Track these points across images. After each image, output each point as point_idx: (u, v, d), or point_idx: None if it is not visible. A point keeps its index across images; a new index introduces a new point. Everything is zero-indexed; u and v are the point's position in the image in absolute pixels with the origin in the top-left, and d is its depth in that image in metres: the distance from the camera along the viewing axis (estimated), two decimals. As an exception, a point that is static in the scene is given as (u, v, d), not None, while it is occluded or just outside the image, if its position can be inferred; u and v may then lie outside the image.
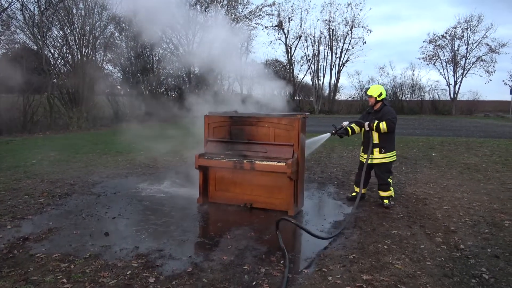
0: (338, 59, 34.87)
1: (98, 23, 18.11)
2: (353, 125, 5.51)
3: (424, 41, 42.05)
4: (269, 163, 4.81)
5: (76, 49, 18.02)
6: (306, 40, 34.25)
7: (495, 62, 33.33)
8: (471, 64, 34.10)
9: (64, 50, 18.27)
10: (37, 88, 16.26)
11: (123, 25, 17.75)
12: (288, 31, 33.67)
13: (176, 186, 6.36)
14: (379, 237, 4.17)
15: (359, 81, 37.05)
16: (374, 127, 5.19)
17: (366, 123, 5.28)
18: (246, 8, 28.39)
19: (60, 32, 17.87)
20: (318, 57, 34.59)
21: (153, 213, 4.99)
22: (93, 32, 18.04)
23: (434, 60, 35.08)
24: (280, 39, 34.65)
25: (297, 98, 36.22)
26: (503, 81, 35.01)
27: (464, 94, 36.66)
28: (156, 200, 5.62)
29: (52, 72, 17.90)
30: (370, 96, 5.33)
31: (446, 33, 34.26)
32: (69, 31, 17.59)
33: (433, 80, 49.60)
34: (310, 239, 4.12)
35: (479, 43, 33.25)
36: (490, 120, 26.97)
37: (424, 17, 62.01)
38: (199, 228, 4.54)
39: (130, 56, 20.45)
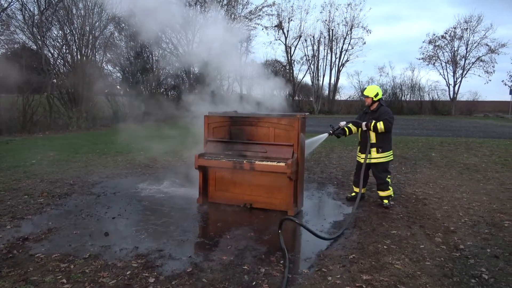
0: (337, 59, 34.94)
1: (97, 23, 18.12)
2: (350, 125, 5.53)
3: (423, 42, 42.24)
4: (269, 163, 4.81)
5: (75, 49, 18.02)
6: (305, 40, 34.30)
7: (494, 62, 33.41)
8: (470, 65, 34.19)
9: (64, 50, 18.28)
10: (37, 88, 16.25)
11: (123, 25, 17.76)
12: (287, 31, 33.71)
13: (175, 186, 6.36)
14: (378, 237, 4.17)
15: (359, 81, 37.14)
16: (372, 127, 5.21)
17: (364, 123, 5.30)
18: (246, 8, 28.43)
19: (60, 32, 17.89)
20: (318, 57, 34.64)
21: (152, 213, 4.99)
22: (93, 32, 18.04)
23: (434, 61, 35.16)
24: (279, 39, 34.70)
25: (296, 98, 36.23)
26: (502, 81, 35.14)
27: (464, 95, 36.83)
28: (155, 200, 5.62)
29: (52, 72, 17.89)
30: (367, 97, 5.36)
31: (445, 33, 34.35)
32: (68, 31, 17.60)
33: (432, 81, 49.90)
34: (310, 239, 4.12)
35: (478, 43, 33.34)
36: (490, 121, 26.99)
37: (424, 17, 62.16)
38: (198, 228, 4.54)
39: (130, 56, 20.45)
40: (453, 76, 34.83)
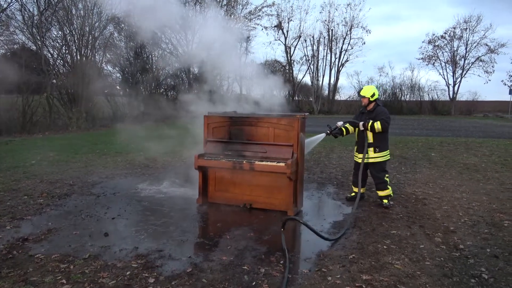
0: (337, 60, 34.98)
1: (97, 23, 18.12)
2: (347, 125, 5.56)
3: (423, 42, 42.30)
4: (269, 163, 4.81)
5: (75, 50, 18.03)
6: (305, 41, 34.35)
7: (494, 62, 33.48)
8: (470, 65, 34.24)
9: (63, 51, 18.28)
10: (36, 88, 16.24)
11: (122, 25, 17.76)
12: (287, 31, 33.76)
13: (175, 187, 6.36)
14: (378, 237, 4.17)
15: (358, 82, 37.18)
16: (369, 127, 5.22)
17: (361, 123, 5.32)
18: (246, 8, 28.44)
19: (59, 32, 17.89)
20: (318, 57, 34.68)
21: (152, 213, 4.99)
22: (92, 32, 18.04)
23: (433, 61, 35.21)
24: (279, 40, 34.76)
25: (296, 98, 36.25)
26: (502, 81, 35.23)
27: (463, 94, 36.89)
28: (155, 200, 5.61)
29: (51, 73, 17.90)
30: (363, 97, 5.39)
31: (445, 33, 34.41)
32: (68, 31, 17.60)
33: (432, 81, 49.97)
34: (309, 239, 4.13)
35: (478, 43, 33.40)
36: (489, 120, 27.01)
37: (423, 17, 62.19)
38: (198, 228, 4.54)
39: (130, 56, 20.45)
40: (453, 76, 34.90)
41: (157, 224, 4.56)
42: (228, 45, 6.77)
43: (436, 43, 34.83)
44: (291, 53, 34.53)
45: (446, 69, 35.23)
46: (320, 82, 35.50)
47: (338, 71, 35.28)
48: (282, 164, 4.70)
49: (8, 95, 15.54)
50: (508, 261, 3.56)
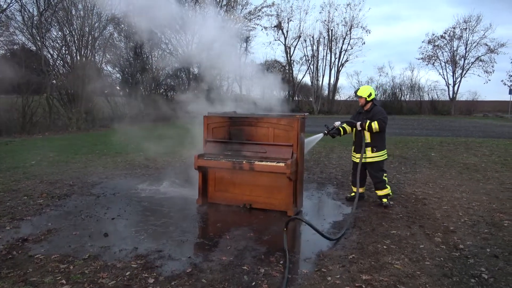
0: (337, 60, 35.01)
1: (97, 24, 18.12)
2: (344, 125, 5.58)
3: (423, 42, 42.35)
4: (268, 163, 4.81)
5: (75, 50, 18.03)
6: (305, 41, 34.38)
7: (494, 62, 33.53)
8: (470, 64, 34.29)
9: (63, 51, 18.28)
10: (36, 89, 16.24)
11: (122, 26, 17.76)
12: (287, 31, 33.79)
13: (175, 187, 6.36)
14: (378, 237, 4.17)
15: (358, 82, 37.21)
16: (366, 127, 5.24)
17: (358, 123, 5.34)
18: (245, 8, 28.45)
19: (59, 33, 17.89)
20: (317, 57, 34.70)
21: (152, 213, 4.99)
22: (92, 33, 18.04)
23: (433, 60, 35.26)
24: (279, 40, 34.77)
25: (296, 98, 36.26)
26: (502, 81, 35.26)
27: (463, 94, 36.89)
28: (155, 200, 5.61)
29: (51, 73, 17.89)
30: (360, 97, 5.42)
31: (445, 33, 34.46)
32: (68, 32, 17.60)
33: (432, 80, 50.05)
34: (309, 239, 4.13)
35: (478, 43, 33.44)
36: (489, 120, 27.02)
37: (423, 17, 62.25)
38: (198, 228, 4.54)
39: (129, 56, 20.45)
40: (453, 76, 34.94)
41: (157, 224, 4.55)
42: (227, 45, 6.77)
43: (436, 43, 34.92)
44: (291, 53, 34.60)
45: (446, 69, 35.33)
46: (320, 82, 35.58)
47: (338, 71, 35.34)
48: (281, 164, 4.70)
49: (8, 95, 15.55)
50: (508, 261, 3.56)
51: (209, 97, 6.98)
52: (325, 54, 35.72)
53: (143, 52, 20.95)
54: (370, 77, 39.27)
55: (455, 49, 34.40)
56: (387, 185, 5.34)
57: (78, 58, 17.96)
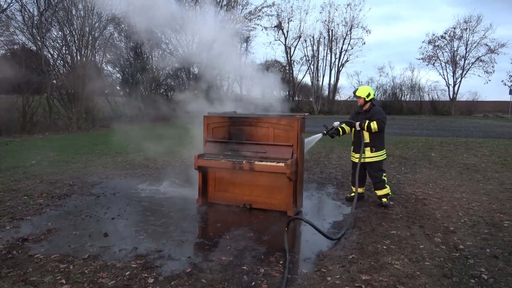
0: (337, 60, 35.00)
1: (97, 24, 18.12)
2: (343, 125, 5.58)
3: (423, 42, 42.34)
4: (268, 163, 4.81)
5: (75, 50, 18.03)
6: (305, 41, 34.38)
7: (494, 62, 33.51)
8: (470, 65, 34.27)
9: (64, 51, 18.27)
10: (37, 88, 16.25)
11: (122, 25, 17.76)
12: (287, 31, 33.79)
13: (175, 187, 6.36)
14: (378, 237, 4.17)
15: (359, 82, 37.18)
16: (365, 127, 5.24)
17: (357, 123, 5.34)
18: (246, 8, 28.44)
19: (60, 32, 17.88)
20: (318, 57, 34.69)
21: (152, 213, 4.99)
22: (92, 33, 18.04)
23: (434, 61, 35.24)
24: (279, 40, 34.78)
25: (296, 98, 36.26)
26: (502, 81, 35.22)
27: (464, 95, 36.93)
28: (155, 200, 5.61)
29: (52, 73, 17.89)
30: (359, 97, 5.42)
31: (445, 33, 34.46)
32: (68, 32, 17.59)
33: (432, 81, 50.03)
34: (309, 239, 4.13)
35: (478, 43, 33.43)
36: (489, 121, 27.01)
37: (423, 17, 62.25)
38: (198, 228, 4.54)
39: (130, 56, 20.45)
40: (453, 76, 34.92)
41: (156, 224, 4.55)
42: (227, 45, 6.77)
43: (436, 43, 34.91)
44: (291, 53, 34.60)
45: (446, 69, 35.31)
46: (320, 82, 35.58)
47: (338, 71, 35.33)
48: (281, 164, 4.70)
49: (8, 95, 15.55)
50: (508, 262, 3.56)
51: (209, 97, 6.98)
52: (325, 54, 35.80)
53: (143, 52, 20.95)
54: (371, 77, 39.37)
55: (455, 49, 34.43)
56: (386, 185, 5.35)
57: (79, 58, 17.96)
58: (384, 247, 3.89)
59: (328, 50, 34.60)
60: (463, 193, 6.15)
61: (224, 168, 5.13)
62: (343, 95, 37.82)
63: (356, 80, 37.87)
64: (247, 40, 28.25)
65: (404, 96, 36.53)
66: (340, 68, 35.18)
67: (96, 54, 19.15)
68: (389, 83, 37.01)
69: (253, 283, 3.10)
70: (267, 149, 4.96)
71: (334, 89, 36.09)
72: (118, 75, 21.94)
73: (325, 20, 34.77)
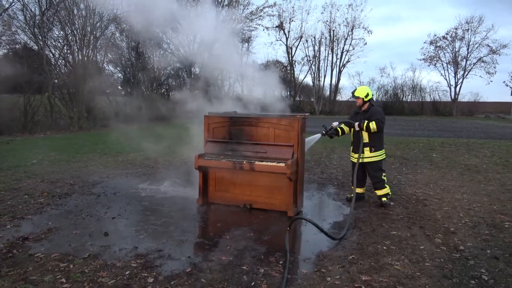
0: (338, 60, 34.91)
1: (98, 23, 18.14)
2: (342, 125, 5.58)
3: (424, 42, 42.12)
4: (269, 163, 4.81)
5: (76, 49, 18.04)
6: (306, 41, 34.28)
7: (496, 63, 33.41)
8: (472, 65, 34.18)
9: (65, 51, 18.29)
10: (38, 88, 16.28)
11: (124, 25, 17.78)
12: (288, 32, 33.71)
13: (175, 187, 6.36)
14: (378, 238, 4.16)
15: (360, 82, 37.09)
16: (364, 127, 5.24)
17: (356, 123, 5.35)
18: (247, 9, 28.42)
19: (61, 32, 17.90)
20: (319, 58, 34.63)
21: (152, 213, 4.99)
22: (94, 32, 18.06)
23: (435, 61, 35.16)
24: (280, 40, 34.69)
25: (298, 98, 36.22)
26: (504, 82, 34.90)
27: (465, 95, 36.73)
28: (155, 200, 5.62)
29: (53, 72, 17.91)
30: (357, 97, 5.43)
31: (447, 34, 34.36)
32: (70, 31, 17.62)
33: (434, 81, 49.65)
34: (309, 240, 4.13)
35: (480, 44, 33.34)
36: (491, 121, 26.96)
37: (425, 18, 62.10)
38: (198, 228, 4.54)
39: (131, 56, 20.47)
40: (454, 77, 34.84)
41: (157, 224, 4.56)
42: (228, 45, 6.77)
43: (438, 44, 34.81)
44: (293, 53, 34.53)
45: (447, 70, 35.21)
46: (322, 83, 35.48)
47: (340, 72, 35.25)
48: (282, 164, 4.70)
49: (10, 94, 15.58)
50: (509, 263, 3.55)
51: (210, 96, 6.99)
52: (326, 55, 35.61)
53: (145, 51, 20.97)
54: (372, 78, 39.32)
55: (457, 50, 34.34)
56: (386, 185, 5.34)
57: (80, 57, 17.98)
58: (384, 247, 3.89)
59: (330, 50, 34.56)
60: (464, 194, 6.14)
61: (225, 168, 5.13)
62: (345, 95, 37.70)
63: (358, 81, 37.82)
64: (248, 40, 28.25)
65: (405, 97, 36.50)
66: (342, 69, 35.14)
67: (97, 54, 19.19)
68: (391, 83, 36.99)
69: (253, 283, 3.10)
70: (267, 149, 4.96)
71: (335, 89, 36.05)
72: (120, 74, 21.99)
73: (327, 21, 34.68)
